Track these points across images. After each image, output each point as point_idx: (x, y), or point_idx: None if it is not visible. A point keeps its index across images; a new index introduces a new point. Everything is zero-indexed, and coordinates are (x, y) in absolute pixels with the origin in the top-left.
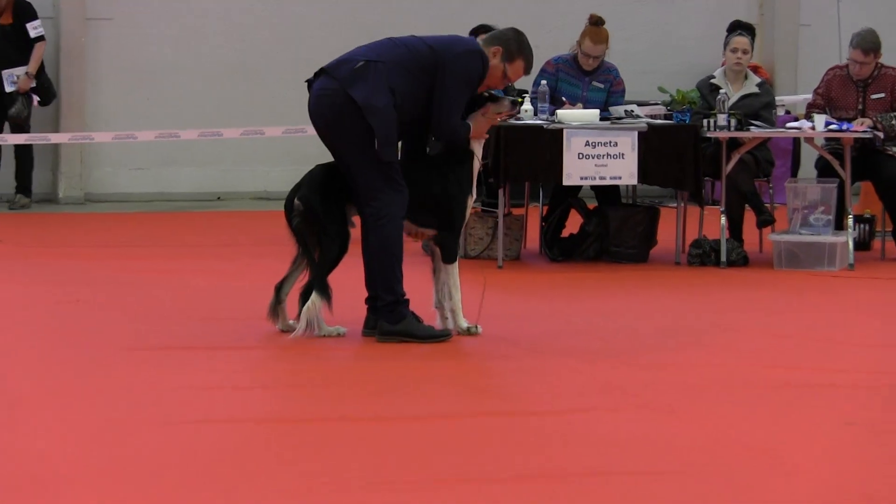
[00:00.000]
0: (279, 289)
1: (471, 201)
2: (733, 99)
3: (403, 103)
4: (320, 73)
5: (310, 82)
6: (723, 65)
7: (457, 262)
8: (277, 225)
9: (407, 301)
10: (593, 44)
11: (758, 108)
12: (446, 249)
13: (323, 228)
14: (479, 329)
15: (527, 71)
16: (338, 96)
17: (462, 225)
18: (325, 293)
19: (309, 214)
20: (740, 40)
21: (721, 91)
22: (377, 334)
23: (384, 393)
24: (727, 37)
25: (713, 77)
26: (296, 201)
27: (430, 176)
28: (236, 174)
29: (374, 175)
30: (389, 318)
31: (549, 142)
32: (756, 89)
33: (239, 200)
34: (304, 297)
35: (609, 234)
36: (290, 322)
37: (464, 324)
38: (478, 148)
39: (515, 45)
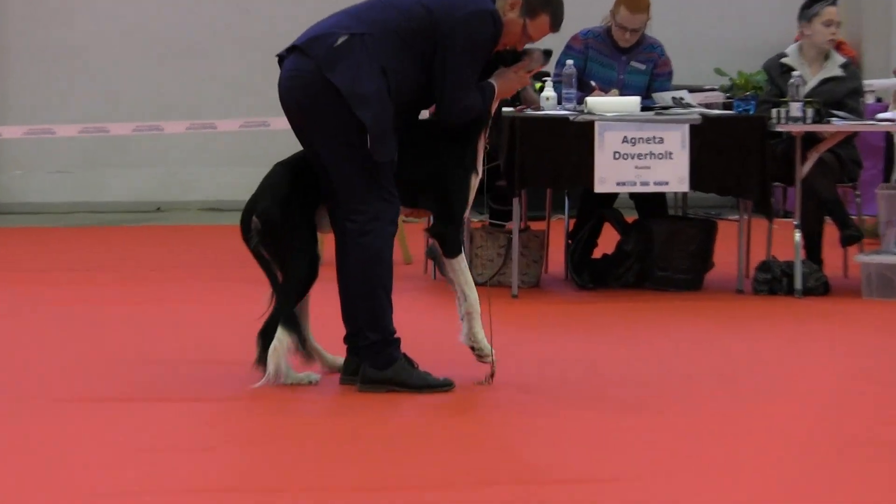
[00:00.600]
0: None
1: (475, 181)
2: (811, 84)
3: (400, 85)
4: (292, 49)
5: (281, 58)
6: (796, 40)
7: (462, 255)
8: (233, 241)
9: (397, 341)
10: (630, 13)
11: (842, 94)
12: (446, 242)
13: (287, 247)
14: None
15: (553, 27)
16: (314, 80)
17: (464, 210)
18: (294, 328)
19: (269, 233)
20: (833, 11)
21: (795, 74)
22: (359, 382)
23: (367, 457)
24: (810, 6)
25: (785, 56)
26: (254, 219)
27: (425, 148)
28: (181, 179)
29: (360, 180)
30: (375, 361)
31: (577, 138)
32: (840, 72)
33: (184, 212)
34: (265, 335)
35: (653, 254)
36: (332, 357)
37: (481, 334)
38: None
39: None
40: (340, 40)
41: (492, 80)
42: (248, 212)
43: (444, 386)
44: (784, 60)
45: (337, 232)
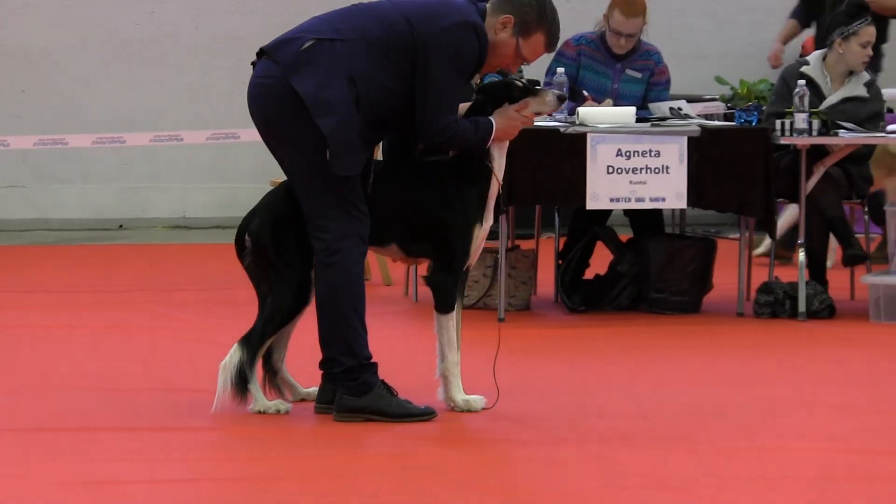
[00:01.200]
0: (267, 358)
1: (480, 232)
2: (831, 100)
3: (371, 96)
4: (261, 53)
5: (254, 64)
6: (803, 47)
7: (454, 313)
8: (201, 261)
9: (374, 366)
10: (625, 17)
11: (863, 118)
12: (440, 295)
13: (275, 270)
14: (481, 403)
15: (549, 48)
16: (279, 87)
17: (464, 263)
18: (249, 349)
19: (259, 252)
20: (871, 31)
21: (800, 83)
22: (335, 411)
23: (343, 493)
24: (848, 23)
25: (806, 64)
26: (246, 236)
27: (426, 189)
28: (144, 195)
29: (324, 195)
30: (351, 388)
31: (569, 150)
32: (864, 91)
33: (148, 230)
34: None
35: (649, 275)
36: (304, 390)
37: (459, 396)
38: (499, 158)
39: (534, 11)
40: (307, 44)
41: (491, 118)
42: (241, 229)
43: (425, 415)
44: (805, 69)
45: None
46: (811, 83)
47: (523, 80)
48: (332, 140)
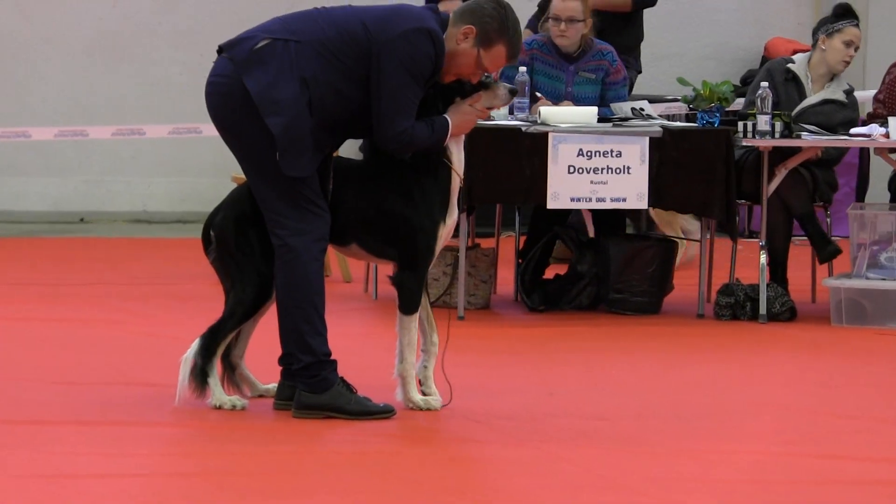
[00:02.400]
0: (226, 354)
1: (444, 231)
2: (811, 100)
3: (324, 99)
4: (220, 50)
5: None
6: (766, 49)
7: (416, 315)
8: (162, 256)
9: (333, 363)
10: (560, 0)
11: (837, 122)
12: (404, 295)
13: (237, 266)
14: (439, 402)
15: (510, 58)
16: (232, 85)
17: (428, 263)
18: (211, 345)
19: (223, 247)
20: (855, 32)
21: (763, 85)
22: (294, 408)
23: (301, 492)
24: (834, 21)
25: (792, 62)
26: (211, 231)
27: (386, 188)
28: (106, 188)
29: (278, 193)
30: (310, 385)
31: (530, 150)
32: (842, 97)
33: (109, 223)
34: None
35: (609, 275)
36: (263, 386)
37: (417, 397)
38: (457, 153)
39: (496, 22)
40: (260, 44)
41: (446, 115)
42: (207, 223)
43: (384, 413)
44: (790, 66)
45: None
46: (795, 80)
47: (485, 77)
48: (281, 140)
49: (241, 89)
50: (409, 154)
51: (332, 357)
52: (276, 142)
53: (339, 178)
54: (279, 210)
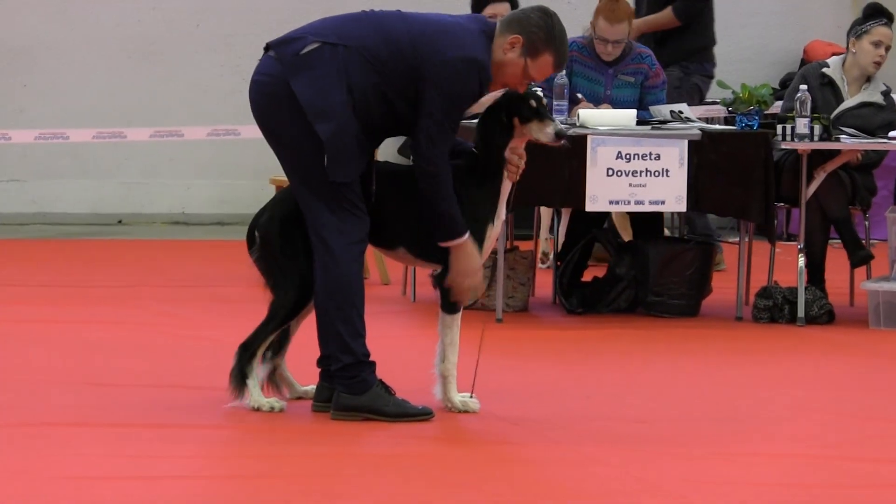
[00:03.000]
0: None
1: (491, 232)
2: (849, 104)
3: (369, 106)
4: (267, 48)
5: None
6: (805, 52)
7: (459, 315)
8: (200, 259)
9: (372, 365)
10: (609, 24)
11: (876, 125)
12: (447, 295)
13: (279, 267)
14: (477, 404)
15: (557, 68)
16: (278, 86)
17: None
18: (252, 347)
19: (266, 248)
20: (885, 32)
21: (802, 88)
22: (332, 409)
23: (338, 493)
24: (863, 22)
25: (826, 66)
26: (256, 232)
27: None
28: (144, 190)
29: (320, 196)
30: (348, 387)
31: (568, 152)
32: (880, 99)
33: (147, 226)
34: (243, 352)
35: (647, 278)
36: (302, 388)
37: (457, 398)
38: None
39: (542, 32)
40: (309, 47)
41: (468, 237)
42: (252, 224)
43: (423, 415)
44: (825, 71)
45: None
46: (831, 84)
47: (539, 100)
48: (329, 147)
49: (287, 91)
50: (430, 188)
51: (371, 359)
52: (323, 148)
53: (387, 182)
54: (320, 212)
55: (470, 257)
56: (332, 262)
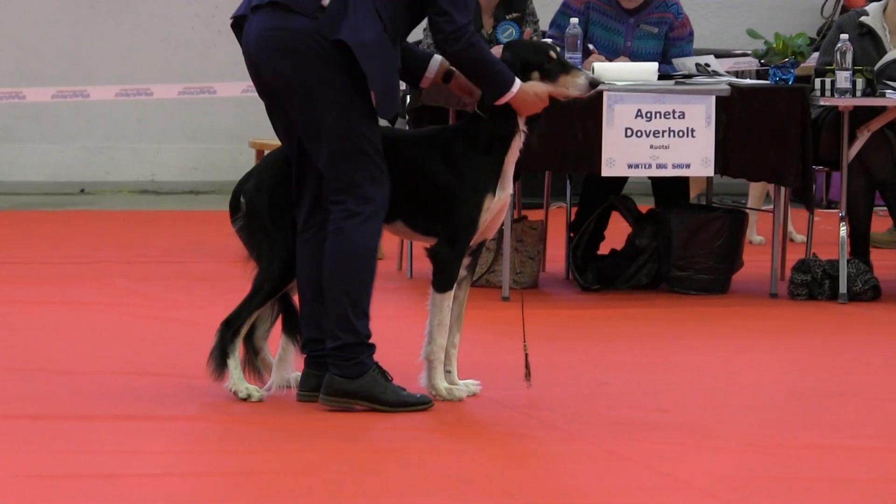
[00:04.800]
0: (249, 335)
1: (492, 203)
2: (892, 54)
3: (396, 29)
4: (257, 7)
5: (237, 21)
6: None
7: (450, 293)
8: (172, 232)
9: (372, 347)
10: None
11: None
12: (440, 270)
13: (267, 236)
14: (468, 390)
15: None
16: (304, 37)
17: (470, 236)
18: (235, 323)
19: (252, 216)
20: None
21: (843, 37)
22: (322, 393)
23: (329, 492)
24: None
25: (865, 14)
26: (242, 198)
27: (434, 157)
28: (109, 155)
29: (353, 154)
30: (344, 369)
31: (582, 111)
32: None
33: (113, 195)
34: (226, 327)
35: (671, 250)
36: (287, 375)
37: (441, 384)
38: (523, 126)
39: None
40: None
41: (520, 81)
42: (237, 189)
43: (422, 404)
44: (864, 19)
45: (305, 219)
46: (871, 34)
47: (558, 51)
48: (379, 84)
49: (317, 42)
50: (464, 67)
51: (372, 340)
52: (373, 87)
53: (387, 149)
54: (346, 173)
55: (531, 96)
56: (352, 229)
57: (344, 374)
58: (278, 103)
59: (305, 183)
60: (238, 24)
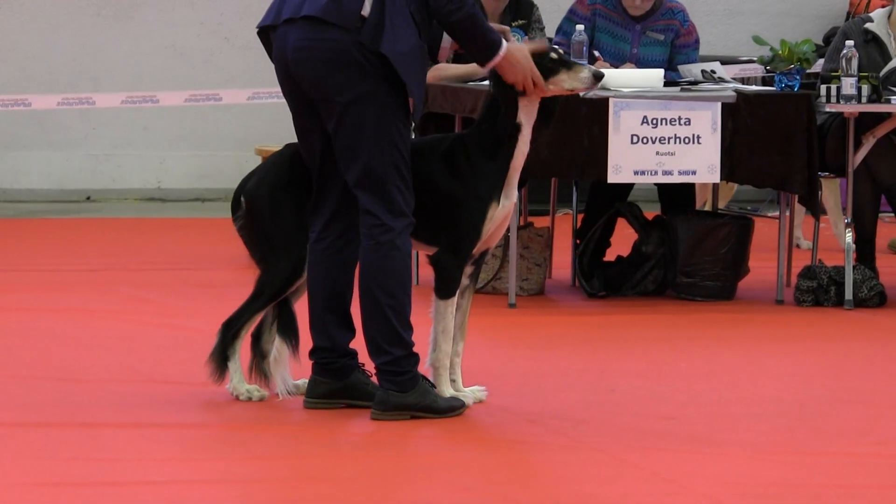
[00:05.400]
0: (257, 338)
1: (495, 211)
2: None
3: (425, 38)
4: (290, 20)
5: (266, 31)
6: (886, 3)
7: (453, 300)
8: (177, 239)
9: (418, 357)
10: None
11: None
12: (442, 278)
13: (267, 238)
14: (475, 397)
15: None
16: (336, 49)
17: (473, 244)
18: (236, 326)
19: (253, 216)
20: None
21: (848, 44)
22: (379, 409)
23: (336, 499)
24: None
25: (870, 21)
26: (242, 198)
27: (436, 164)
28: (115, 163)
29: (388, 168)
30: (399, 384)
31: (588, 118)
32: None
33: (119, 202)
34: (226, 329)
35: (677, 257)
36: (294, 382)
37: (447, 391)
38: (526, 125)
39: None
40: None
41: (506, 43)
42: (238, 189)
43: (462, 407)
44: (868, 26)
45: (316, 233)
46: (876, 41)
47: (559, 52)
48: (418, 93)
49: (357, 52)
50: (470, 25)
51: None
52: (413, 96)
53: None
54: (381, 186)
55: (517, 58)
56: (391, 243)
57: (400, 388)
58: (312, 112)
59: (326, 194)
60: (264, 32)
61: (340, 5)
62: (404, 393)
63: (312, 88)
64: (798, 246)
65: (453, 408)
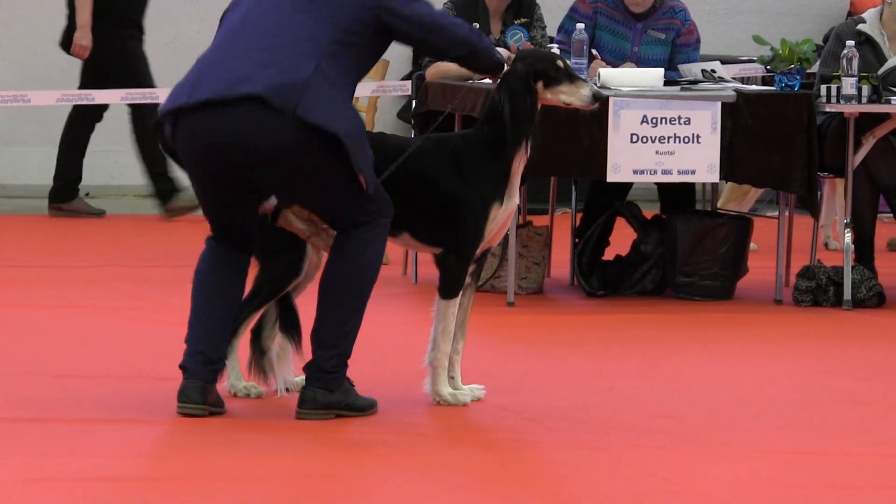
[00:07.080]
0: (257, 335)
1: (498, 212)
2: (893, 61)
3: (355, 80)
4: (202, 106)
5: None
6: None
7: (456, 300)
8: (176, 236)
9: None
10: None
11: None
12: (446, 278)
13: (266, 236)
14: (473, 395)
15: None
16: (281, 130)
17: (476, 245)
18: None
19: None
20: None
21: (849, 44)
22: (307, 408)
23: (330, 498)
24: None
25: (862, 22)
26: None
27: (439, 166)
28: (114, 159)
29: (353, 209)
30: (329, 382)
31: (588, 117)
32: None
33: (117, 199)
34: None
35: (676, 257)
36: (293, 378)
37: (445, 390)
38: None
39: None
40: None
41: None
42: None
43: (375, 406)
44: (861, 27)
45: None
46: (870, 42)
47: (565, 62)
48: (364, 166)
49: (295, 132)
50: (459, 49)
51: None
52: (359, 170)
53: (389, 159)
54: (359, 215)
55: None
56: (380, 237)
57: (328, 386)
58: (243, 193)
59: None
60: (173, 115)
61: (280, 83)
62: (331, 392)
63: (255, 173)
64: (826, 245)
65: (371, 405)
